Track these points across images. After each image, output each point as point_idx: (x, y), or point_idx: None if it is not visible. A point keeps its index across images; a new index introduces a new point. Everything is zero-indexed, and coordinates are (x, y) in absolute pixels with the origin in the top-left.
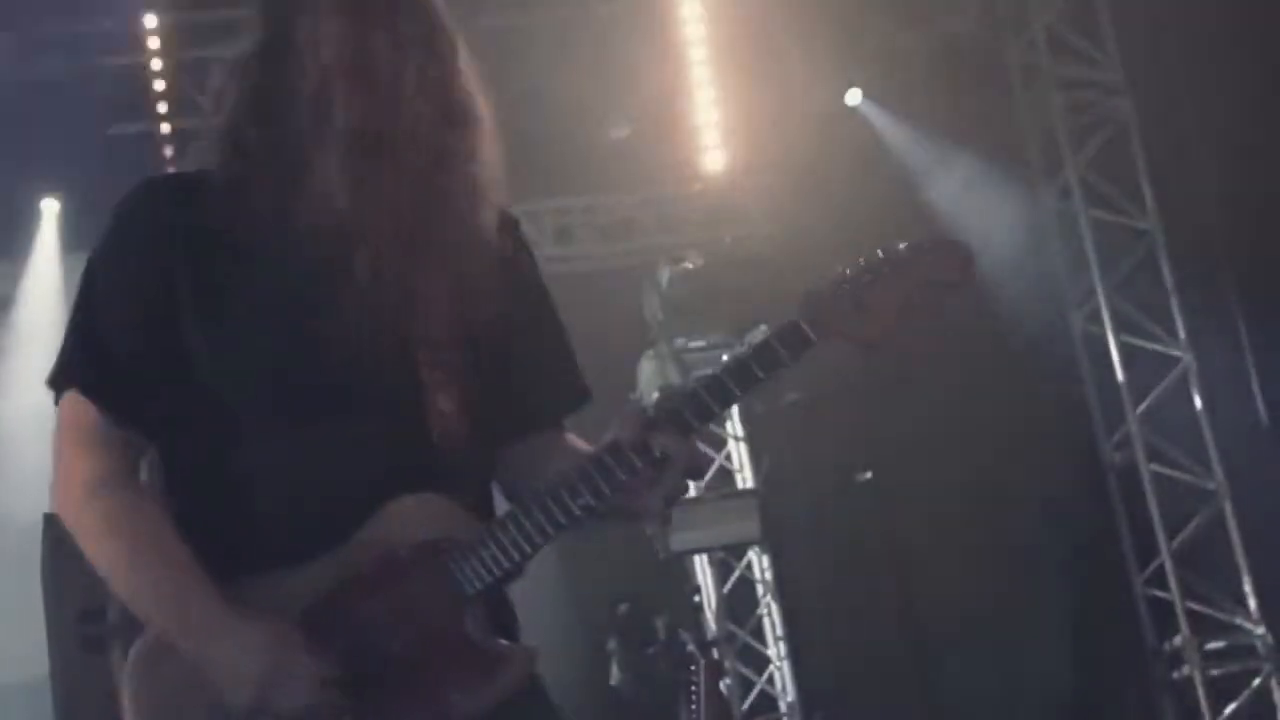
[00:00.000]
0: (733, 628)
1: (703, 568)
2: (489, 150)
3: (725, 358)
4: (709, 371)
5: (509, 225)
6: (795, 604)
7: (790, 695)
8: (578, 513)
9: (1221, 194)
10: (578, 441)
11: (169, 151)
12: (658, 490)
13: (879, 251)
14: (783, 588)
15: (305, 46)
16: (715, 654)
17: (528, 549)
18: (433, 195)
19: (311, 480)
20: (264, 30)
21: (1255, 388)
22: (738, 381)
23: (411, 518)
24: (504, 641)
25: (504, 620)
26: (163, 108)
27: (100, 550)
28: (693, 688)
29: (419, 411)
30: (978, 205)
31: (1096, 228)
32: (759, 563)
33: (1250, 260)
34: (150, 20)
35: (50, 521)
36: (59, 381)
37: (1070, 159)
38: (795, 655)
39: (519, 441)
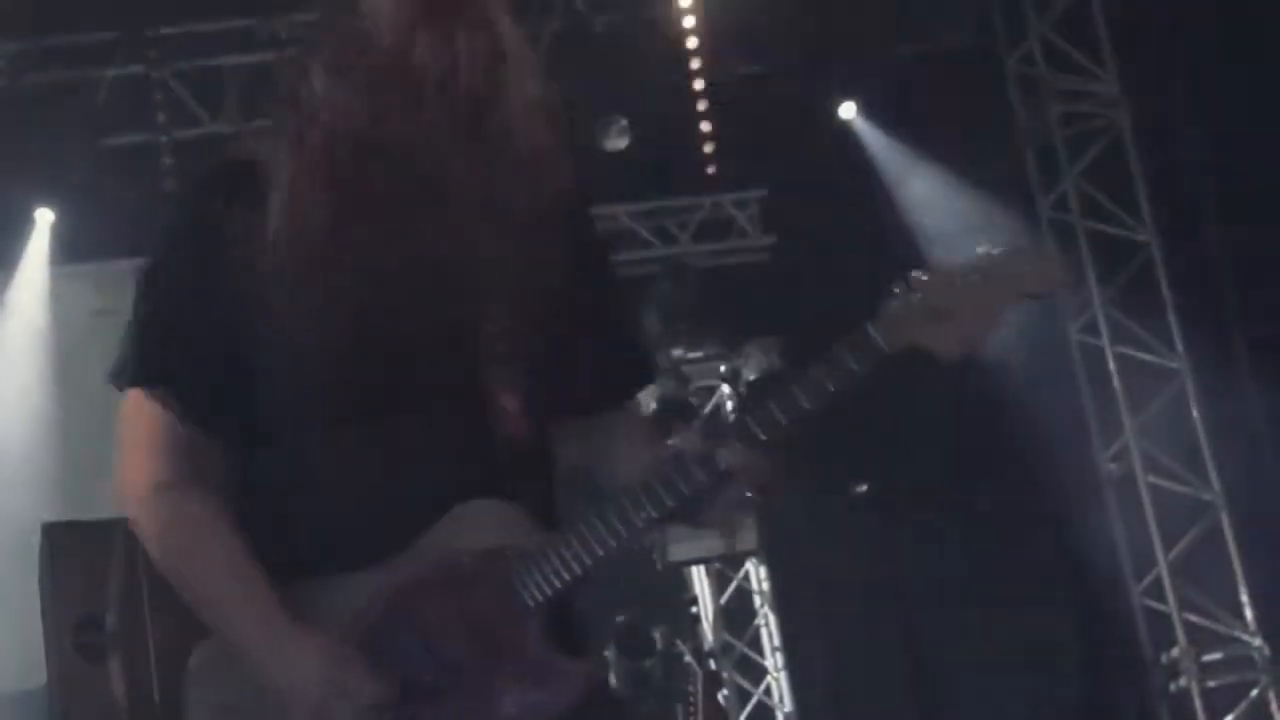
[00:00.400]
0: (730, 639)
1: (700, 578)
2: (548, 133)
3: (811, 366)
4: (781, 383)
5: (580, 205)
6: (793, 615)
7: (788, 706)
8: (640, 525)
9: (1219, 206)
10: (642, 425)
11: (168, 161)
12: (720, 502)
13: (967, 258)
14: (780, 598)
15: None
16: (713, 665)
17: (589, 561)
18: (501, 187)
19: (375, 483)
20: (321, 26)
21: (1252, 399)
22: (808, 394)
23: (476, 524)
24: (564, 656)
25: (568, 633)
26: (162, 118)
27: (163, 552)
28: (690, 699)
29: (485, 412)
30: (968, 218)
31: (1093, 239)
32: (756, 573)
33: (1248, 272)
34: (150, 30)
35: (49, 529)
36: (123, 379)
37: (1067, 170)
38: (793, 666)
39: (582, 419)
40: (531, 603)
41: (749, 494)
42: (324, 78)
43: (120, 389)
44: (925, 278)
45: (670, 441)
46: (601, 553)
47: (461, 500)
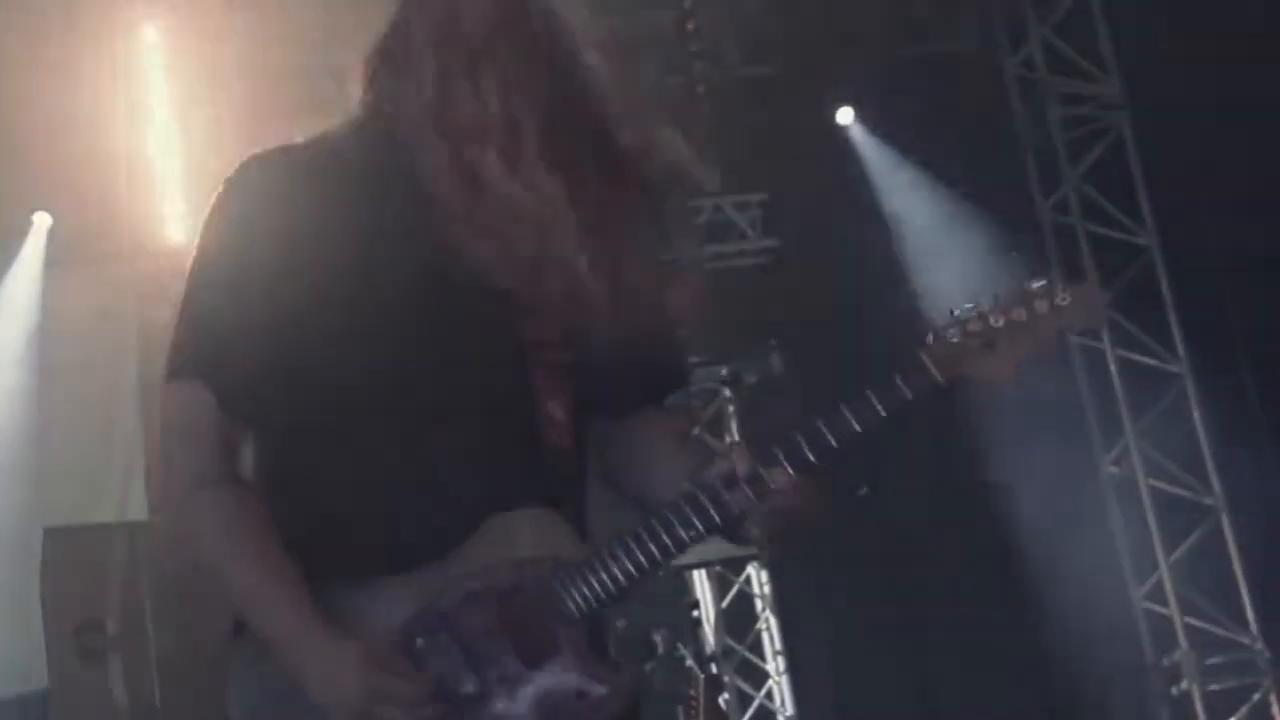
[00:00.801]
0: (731, 642)
1: (701, 582)
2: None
3: (865, 391)
4: (838, 407)
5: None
6: (794, 618)
7: (789, 710)
8: (688, 541)
9: (1219, 208)
10: (673, 431)
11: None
12: (763, 521)
13: (1013, 291)
14: (782, 602)
15: (491, 85)
16: (714, 669)
17: (635, 574)
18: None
19: (419, 487)
20: (431, 50)
21: (1253, 402)
22: (859, 417)
23: (518, 533)
24: (605, 669)
25: (602, 646)
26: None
27: (200, 546)
28: (691, 702)
29: (530, 419)
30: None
31: (1094, 242)
32: (757, 577)
33: (1248, 274)
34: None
35: (50, 534)
36: (176, 370)
37: (1068, 173)
38: (794, 670)
39: (615, 421)
40: (576, 613)
41: (795, 514)
42: (412, 78)
43: (171, 380)
44: (976, 311)
45: (718, 458)
46: (648, 566)
47: (504, 507)
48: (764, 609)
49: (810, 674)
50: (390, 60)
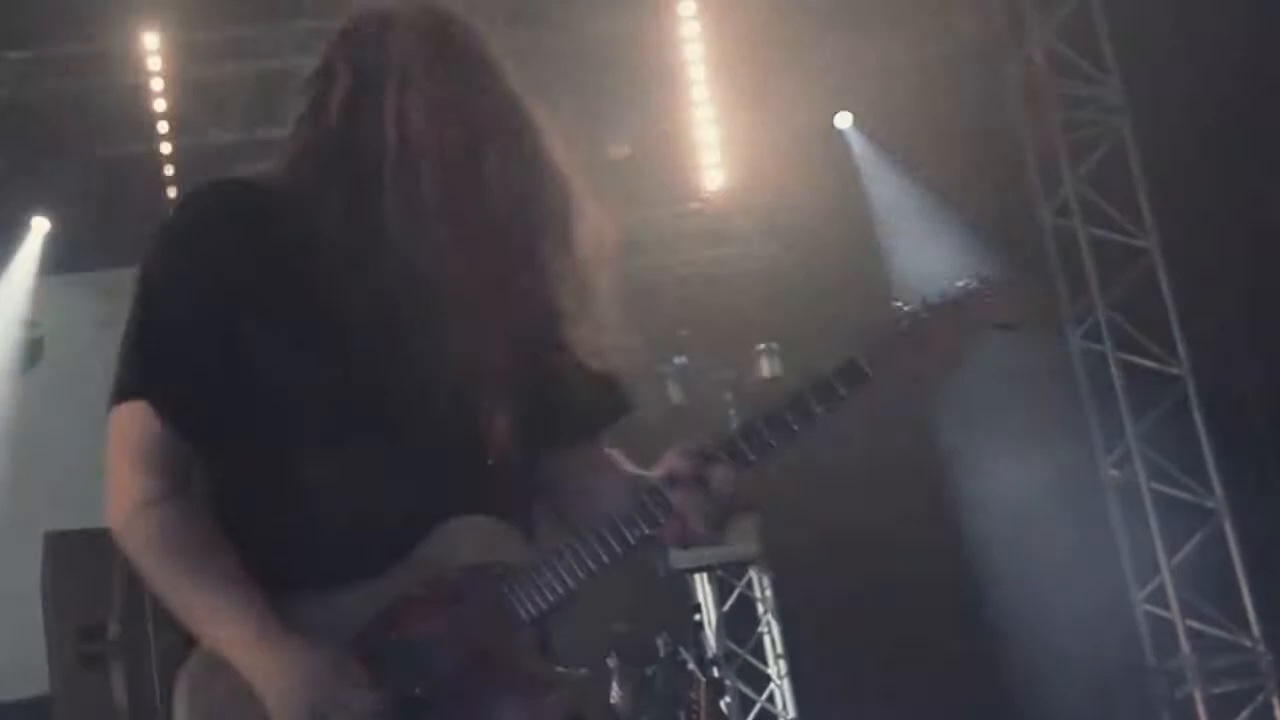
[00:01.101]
0: (732, 646)
1: (703, 586)
2: (573, 225)
3: (802, 391)
4: (771, 405)
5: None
6: (796, 622)
7: (791, 713)
8: (634, 543)
9: (1220, 210)
10: (618, 458)
11: (169, 171)
12: (707, 520)
13: (942, 290)
14: (783, 605)
15: (390, 111)
16: (715, 672)
17: (582, 576)
18: (505, 257)
19: (365, 500)
20: (350, 77)
21: (1255, 405)
22: (796, 416)
23: (465, 540)
24: (556, 668)
25: (553, 647)
26: (163, 127)
27: (152, 564)
28: (693, 706)
29: (476, 432)
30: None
31: (1095, 245)
32: (759, 581)
33: (1250, 276)
34: (151, 40)
35: (51, 539)
36: (123, 392)
37: (1069, 176)
38: (795, 673)
39: (559, 451)
40: (525, 616)
41: (737, 512)
42: (353, 105)
43: (118, 401)
44: (906, 308)
45: (664, 460)
46: (595, 568)
47: (450, 518)
48: (765, 612)
49: (812, 677)
50: (307, 99)
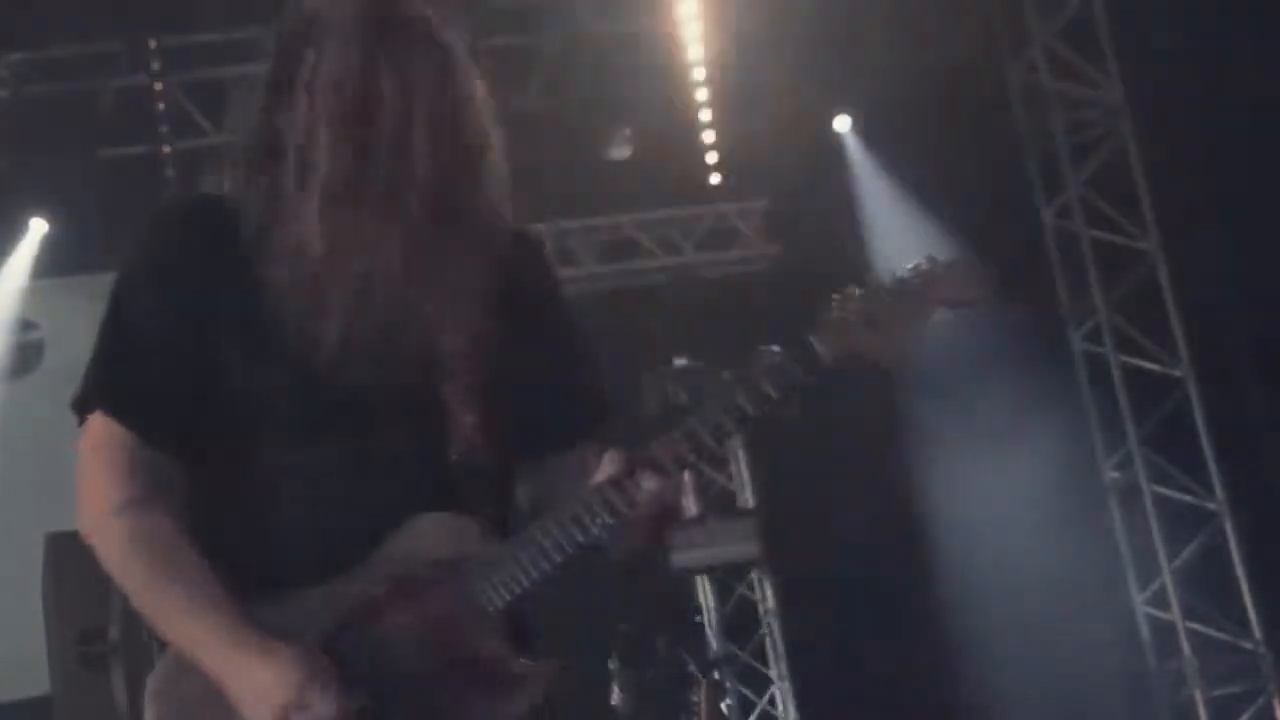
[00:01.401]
0: (733, 648)
1: (703, 587)
2: (496, 184)
3: (728, 376)
4: (721, 396)
5: (530, 247)
6: (796, 624)
7: (791, 716)
8: (595, 532)
9: (1222, 213)
10: (608, 460)
11: (170, 172)
12: (641, 527)
13: (894, 271)
14: (784, 608)
15: (304, 84)
16: (716, 674)
17: (547, 567)
18: (434, 234)
19: (331, 500)
20: (274, 58)
21: (1257, 407)
22: (750, 400)
23: (430, 536)
24: (525, 659)
25: (525, 638)
26: (164, 129)
27: (122, 570)
28: (694, 708)
29: (440, 429)
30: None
31: (1097, 247)
32: (759, 583)
33: (1251, 279)
34: (152, 41)
35: (51, 541)
36: (86, 402)
37: (1070, 178)
38: (796, 676)
39: (540, 459)
40: (491, 609)
41: (660, 518)
42: (307, 109)
43: (83, 413)
44: (858, 291)
45: (601, 465)
46: (559, 559)
47: (418, 513)
48: (766, 615)
49: (813, 680)
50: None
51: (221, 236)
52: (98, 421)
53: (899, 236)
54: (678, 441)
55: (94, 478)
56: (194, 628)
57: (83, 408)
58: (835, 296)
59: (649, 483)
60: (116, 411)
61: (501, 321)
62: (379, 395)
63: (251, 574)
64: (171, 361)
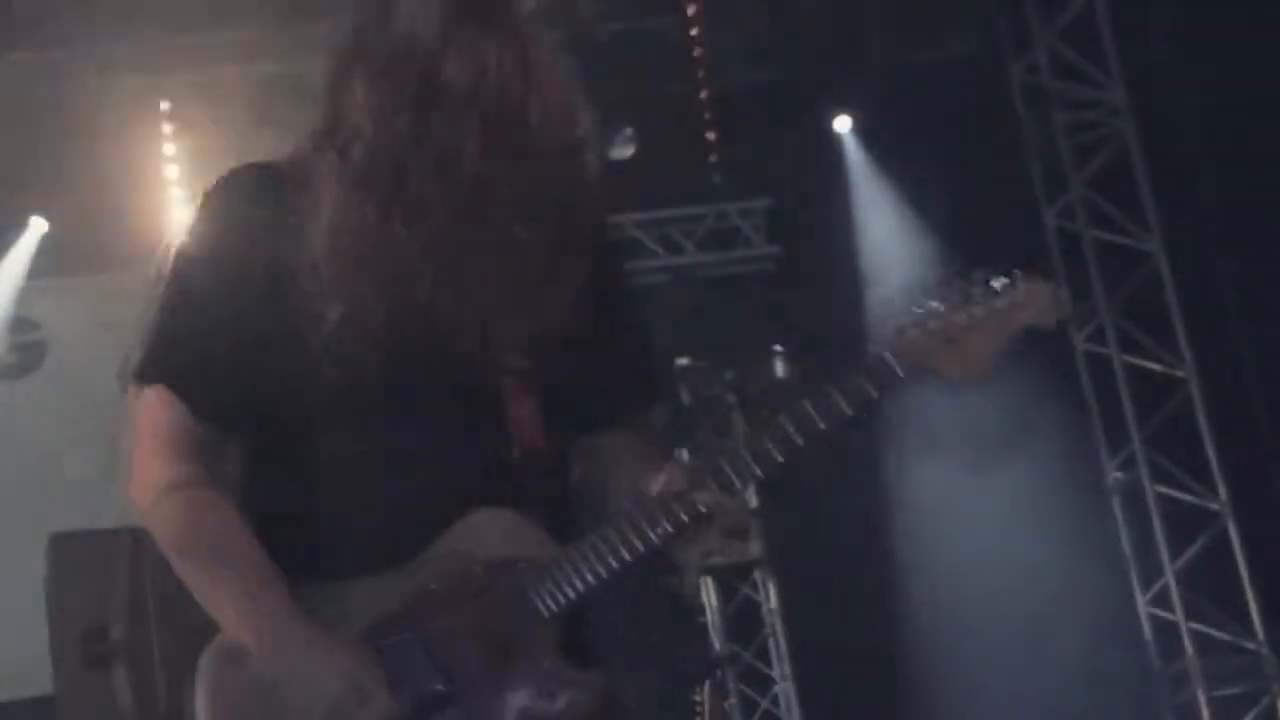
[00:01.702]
0: (736, 648)
1: (706, 588)
2: (580, 159)
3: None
4: (791, 410)
5: (605, 227)
6: (801, 624)
7: (795, 716)
8: (656, 542)
9: (1225, 213)
10: (643, 448)
11: (174, 172)
12: (696, 546)
13: (969, 285)
14: (787, 608)
15: (370, 58)
16: (719, 674)
17: (604, 574)
18: (493, 223)
19: (388, 488)
20: (350, 30)
21: (1260, 407)
22: (823, 416)
23: (486, 534)
24: (575, 667)
25: (580, 645)
26: (167, 130)
27: (175, 551)
28: (697, 708)
29: (499, 421)
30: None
31: (1099, 248)
32: (763, 583)
33: (1254, 279)
34: (154, 42)
35: (54, 541)
36: (143, 375)
37: (1073, 180)
38: (800, 676)
39: (590, 435)
40: (545, 613)
41: (722, 539)
42: (365, 88)
43: (139, 385)
44: (938, 305)
45: (659, 475)
46: (616, 566)
47: (473, 508)
48: (770, 615)
49: (816, 680)
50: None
51: (286, 206)
52: (155, 394)
53: (896, 239)
54: (744, 455)
55: (150, 453)
56: (244, 615)
57: (140, 378)
58: (914, 310)
59: (714, 497)
60: (175, 386)
61: (571, 309)
62: (437, 386)
63: (301, 561)
64: (230, 338)
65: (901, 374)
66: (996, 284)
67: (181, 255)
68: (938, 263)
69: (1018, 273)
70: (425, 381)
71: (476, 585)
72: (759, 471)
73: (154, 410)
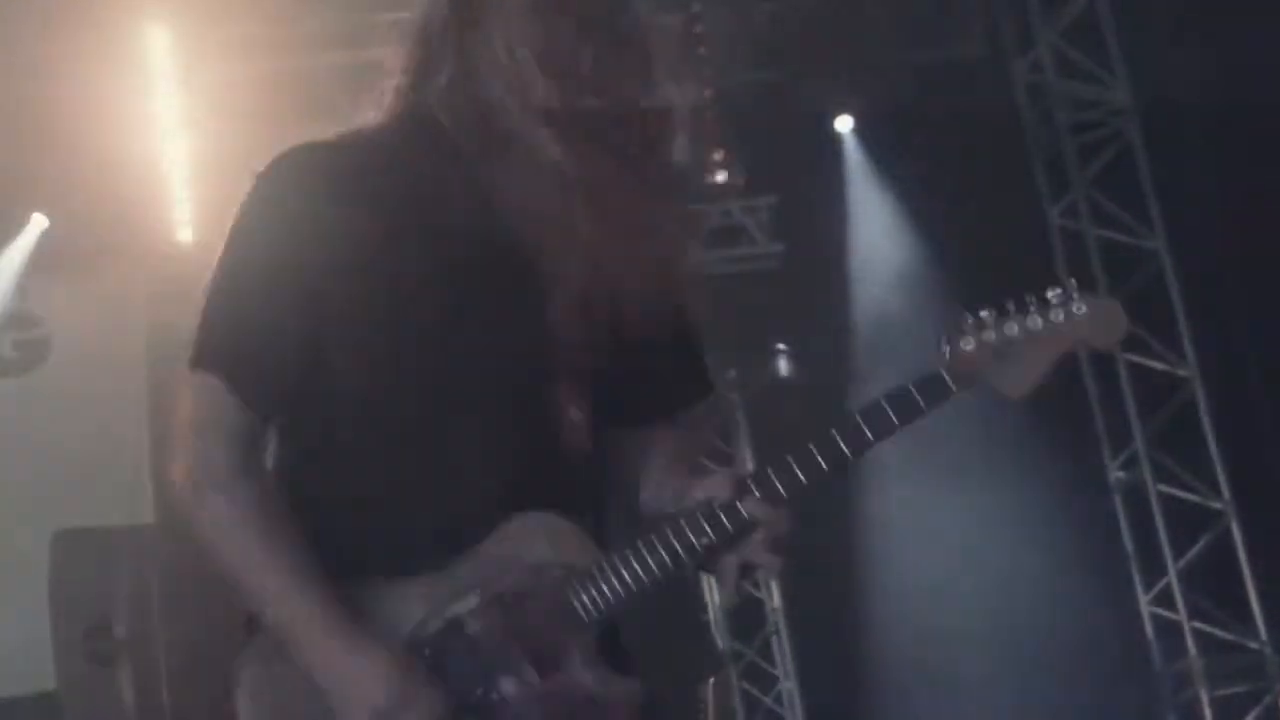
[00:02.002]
0: (739, 646)
1: (710, 585)
2: (676, 141)
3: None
4: (841, 424)
5: (687, 220)
6: (804, 622)
7: (799, 714)
8: (684, 559)
9: (1229, 212)
10: (686, 445)
11: (179, 171)
12: (736, 554)
13: (1028, 301)
14: (791, 606)
15: (497, 27)
16: (722, 673)
17: (646, 580)
18: (626, 188)
19: (434, 489)
20: (449, 25)
21: (1263, 406)
22: (874, 429)
23: (530, 539)
24: (616, 675)
25: (618, 651)
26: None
27: (218, 544)
28: (700, 706)
29: (550, 424)
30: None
31: (1103, 247)
32: (766, 581)
33: (1257, 278)
34: (161, 38)
35: (59, 538)
36: (196, 362)
37: (1076, 178)
38: (803, 674)
39: (635, 429)
40: (586, 619)
41: (765, 550)
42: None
43: (191, 370)
44: (993, 317)
45: (704, 482)
46: (659, 573)
47: (519, 511)
48: (773, 613)
49: (819, 679)
50: (422, 45)
51: (347, 190)
52: (203, 381)
53: (896, 239)
54: (791, 466)
55: (197, 441)
56: (289, 613)
57: (194, 363)
58: (968, 321)
59: (760, 508)
60: (228, 376)
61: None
62: (491, 386)
63: (347, 560)
64: (282, 325)
65: (954, 388)
66: (1051, 296)
67: (237, 237)
68: (938, 262)
69: (1073, 283)
70: (479, 382)
71: (518, 590)
72: (805, 481)
73: (201, 398)
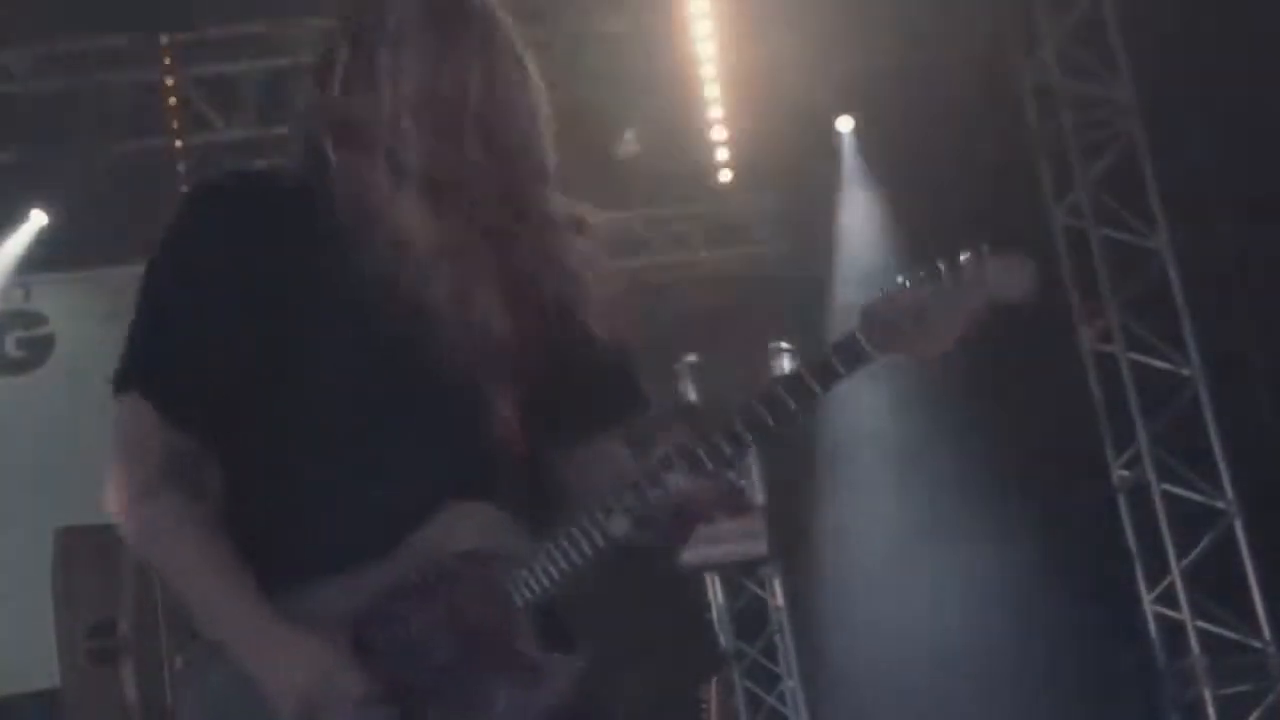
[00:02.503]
0: (743, 645)
1: (713, 585)
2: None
3: (787, 368)
4: (762, 392)
5: (585, 231)
6: (806, 622)
7: (802, 713)
8: (615, 536)
9: (1231, 211)
10: (624, 454)
11: (181, 168)
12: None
13: (939, 264)
14: (794, 605)
15: (386, 75)
16: (726, 672)
17: (578, 561)
18: (510, 232)
19: (363, 486)
20: (348, 46)
21: (1266, 405)
22: (793, 397)
23: (459, 527)
24: (550, 654)
25: (556, 633)
26: (175, 123)
27: (149, 556)
28: (703, 705)
29: (478, 419)
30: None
31: (1107, 246)
32: (769, 580)
33: (1261, 277)
34: (164, 36)
35: (61, 535)
36: (119, 383)
37: (1080, 177)
38: (807, 673)
39: (575, 446)
40: (520, 602)
41: (694, 518)
42: (385, 101)
43: (119, 391)
44: (905, 283)
45: (640, 458)
46: (590, 553)
47: (449, 502)
48: (776, 612)
49: (822, 678)
50: (314, 74)
51: (264, 212)
52: (129, 403)
53: (891, 240)
54: (714, 437)
55: (122, 460)
56: (217, 616)
57: (119, 386)
58: (882, 290)
59: (681, 476)
60: (146, 394)
61: (552, 312)
62: (419, 383)
63: (282, 561)
64: (204, 343)
65: (870, 350)
66: (962, 260)
67: (158, 261)
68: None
69: (985, 247)
70: (407, 378)
71: (451, 577)
72: (727, 451)
73: (128, 418)
